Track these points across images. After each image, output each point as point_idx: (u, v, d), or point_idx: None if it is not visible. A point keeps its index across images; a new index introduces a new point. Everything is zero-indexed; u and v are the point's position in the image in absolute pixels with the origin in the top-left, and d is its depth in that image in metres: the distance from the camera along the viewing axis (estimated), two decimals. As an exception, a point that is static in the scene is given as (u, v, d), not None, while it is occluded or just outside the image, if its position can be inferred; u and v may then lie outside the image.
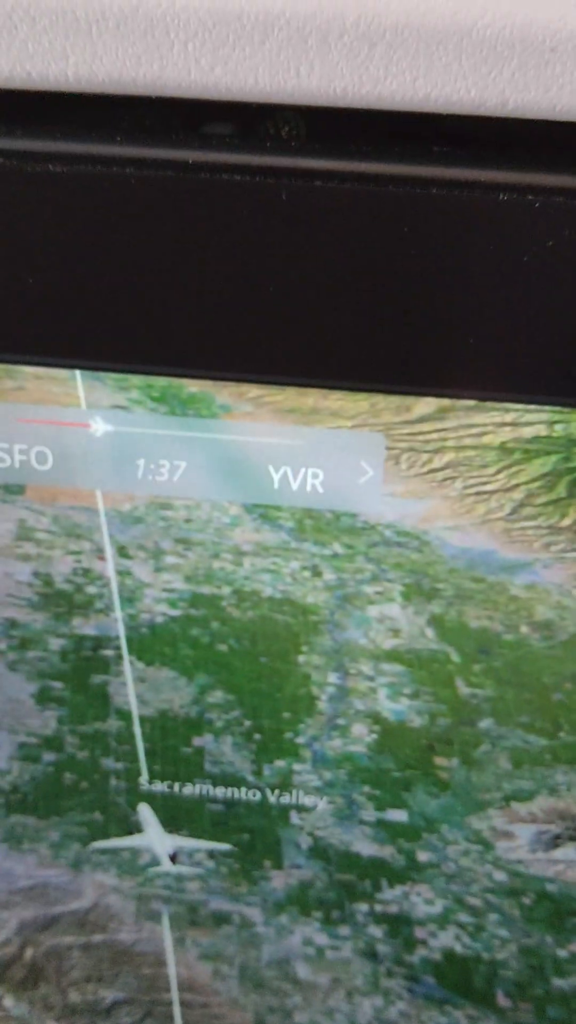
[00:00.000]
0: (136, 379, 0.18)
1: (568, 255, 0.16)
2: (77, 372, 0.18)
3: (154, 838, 0.21)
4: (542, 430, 0.18)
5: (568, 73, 0.15)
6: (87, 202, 0.16)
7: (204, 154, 0.16)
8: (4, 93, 0.16)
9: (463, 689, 0.20)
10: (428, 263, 0.16)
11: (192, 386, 0.18)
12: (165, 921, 0.22)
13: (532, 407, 0.17)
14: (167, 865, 0.21)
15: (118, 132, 0.17)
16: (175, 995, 0.23)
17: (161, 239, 0.16)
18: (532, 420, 0.17)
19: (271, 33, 0.15)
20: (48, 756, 0.21)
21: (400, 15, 0.15)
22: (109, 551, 0.19)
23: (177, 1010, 0.23)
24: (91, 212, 0.16)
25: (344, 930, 0.22)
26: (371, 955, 0.22)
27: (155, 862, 0.21)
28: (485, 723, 0.20)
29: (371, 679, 0.20)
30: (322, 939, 0.22)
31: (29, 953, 0.22)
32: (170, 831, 0.21)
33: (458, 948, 0.22)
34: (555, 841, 0.21)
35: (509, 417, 0.18)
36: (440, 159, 0.16)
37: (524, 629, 0.19)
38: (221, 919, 0.22)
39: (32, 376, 0.18)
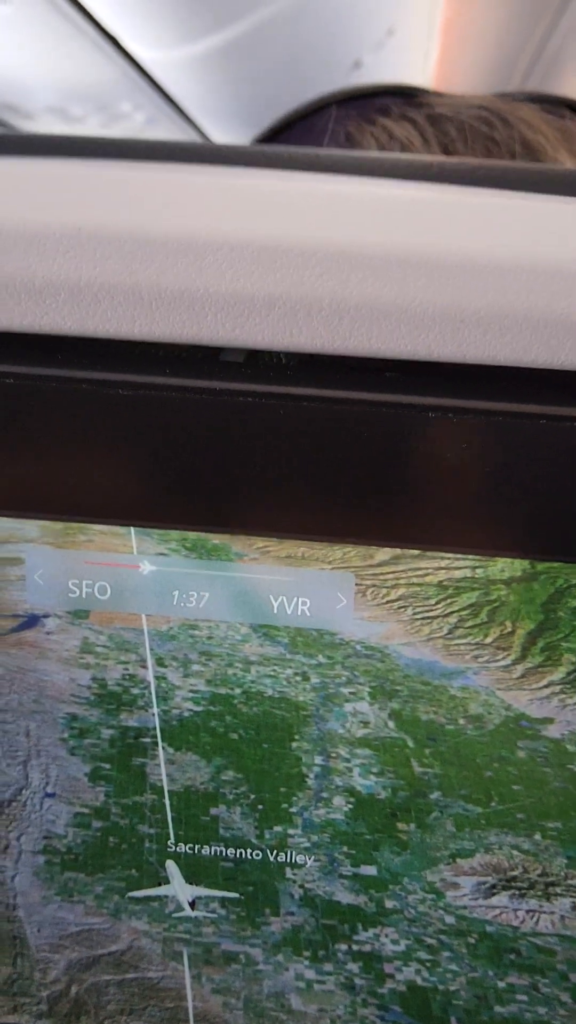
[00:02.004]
0: (174, 534, 0.24)
1: (477, 455, 0.22)
2: (132, 529, 0.24)
3: (178, 888, 0.26)
4: (468, 572, 0.24)
5: (473, 337, 0.22)
6: (144, 416, 0.23)
7: (225, 383, 0.23)
8: (90, 341, 0.23)
9: (417, 768, 0.25)
10: (381, 459, 0.23)
11: (214, 539, 0.24)
12: (185, 960, 0.27)
13: (459, 556, 0.24)
14: (188, 910, 0.26)
15: (166, 364, 0.24)
16: (192, 1024, 0.27)
17: (196, 441, 0.23)
18: (460, 565, 0.24)
19: (273, 310, 0.22)
20: (96, 823, 0.26)
21: (359, 298, 0.22)
22: (150, 661, 0.25)
23: (193, 1038, 0.27)
24: (148, 423, 0.23)
25: (328, 966, 0.27)
26: (350, 987, 0.27)
27: (179, 908, 0.27)
28: (434, 795, 0.25)
29: (347, 761, 0.25)
30: (311, 974, 0.26)
31: (74, 989, 0.27)
32: (191, 883, 0.26)
33: (419, 981, 0.26)
34: (491, 891, 0.26)
35: (444, 563, 0.24)
36: (388, 384, 0.23)
37: (461, 721, 0.25)
38: (230, 958, 0.27)
39: (98, 532, 0.24)
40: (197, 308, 0.22)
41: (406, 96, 0.51)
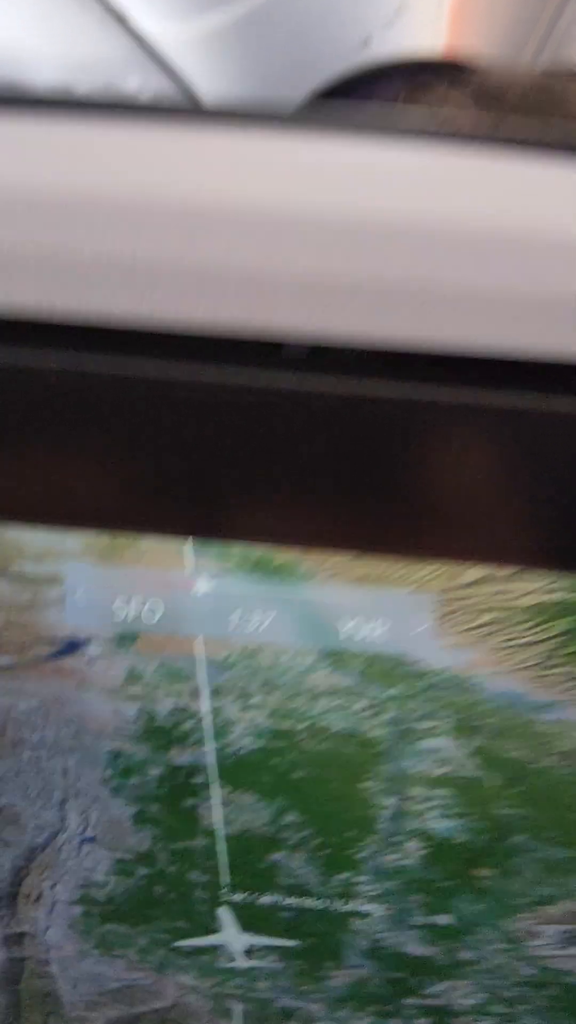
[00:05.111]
0: (236, 549, 0.21)
1: (560, 461, 0.20)
2: (188, 543, 0.21)
3: (230, 937, 0.24)
4: (565, 595, 0.21)
5: (524, 329, 0.19)
6: (200, 416, 0.20)
7: (289, 380, 0.20)
8: (140, 330, 0.20)
9: (500, 810, 0.23)
10: (475, 467, 0.20)
11: (280, 557, 0.21)
12: (237, 1018, 0.25)
13: (558, 576, 0.21)
14: (241, 960, 0.24)
15: (226, 357, 0.21)
16: None
17: (259, 444, 0.20)
18: (557, 588, 0.21)
19: (351, 299, 0.19)
20: (141, 870, 0.23)
21: (441, 284, 0.19)
22: (204, 692, 0.22)
23: None
24: (205, 424, 0.20)
25: (395, 1022, 0.24)
26: (419, 1046, 0.25)
27: (231, 959, 0.24)
28: (518, 839, 0.23)
29: (423, 802, 0.23)
30: (377, 1032, 0.25)
31: (112, 1051, 0.25)
32: (245, 933, 0.24)
33: (495, 1038, 0.24)
34: (577, 940, 0.24)
35: (538, 585, 0.21)
36: (485, 381, 0.20)
37: (552, 759, 0.22)
38: (287, 1015, 0.24)
39: (149, 546, 0.21)
40: (268, 294, 0.19)
41: (449, 71, 0.47)
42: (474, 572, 0.21)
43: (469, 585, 0.21)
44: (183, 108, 0.22)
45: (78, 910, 0.24)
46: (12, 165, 0.20)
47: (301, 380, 0.20)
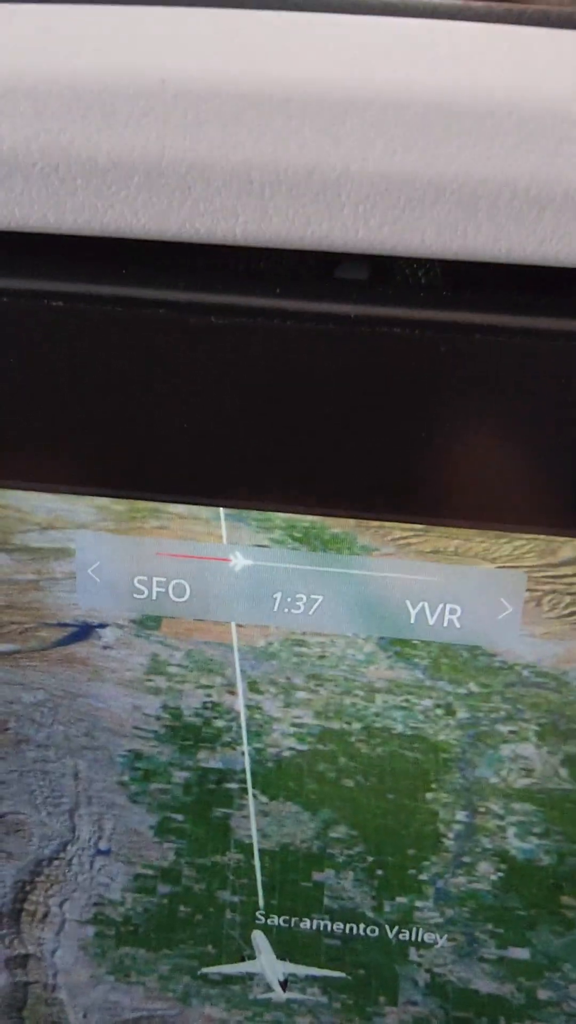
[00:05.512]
0: (279, 518, 0.18)
1: None
2: (221, 511, 0.18)
3: (266, 964, 0.21)
4: None
5: None
6: (239, 353, 0.16)
7: (349, 307, 0.16)
8: (170, 248, 0.16)
9: (593, 829, 0.19)
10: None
11: (335, 527, 0.18)
12: (275, 1057, 0.22)
13: None
14: (278, 991, 0.21)
15: (271, 281, 0.17)
16: None
17: (309, 387, 0.16)
18: None
19: (442, 197, 0.15)
20: (164, 888, 0.20)
21: (571, 182, 0.15)
22: (240, 685, 0.19)
23: None
24: (245, 362, 0.16)
25: (460, 1069, 0.21)
26: None
27: (267, 989, 0.21)
28: None
29: (500, 818, 0.19)
30: (437, 1078, 0.21)
31: None
32: (283, 960, 0.21)
33: None
34: None
35: None
36: None
37: None
38: (333, 1056, 0.21)
39: (176, 515, 0.18)
40: (330, 195, 0.15)
41: None
42: (573, 547, 0.17)
43: (567, 562, 0.18)
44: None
45: (90, 931, 0.21)
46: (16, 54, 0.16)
47: (359, 308, 0.16)
